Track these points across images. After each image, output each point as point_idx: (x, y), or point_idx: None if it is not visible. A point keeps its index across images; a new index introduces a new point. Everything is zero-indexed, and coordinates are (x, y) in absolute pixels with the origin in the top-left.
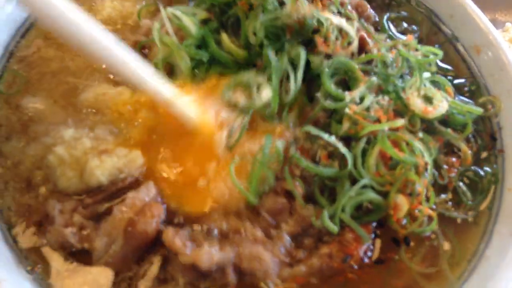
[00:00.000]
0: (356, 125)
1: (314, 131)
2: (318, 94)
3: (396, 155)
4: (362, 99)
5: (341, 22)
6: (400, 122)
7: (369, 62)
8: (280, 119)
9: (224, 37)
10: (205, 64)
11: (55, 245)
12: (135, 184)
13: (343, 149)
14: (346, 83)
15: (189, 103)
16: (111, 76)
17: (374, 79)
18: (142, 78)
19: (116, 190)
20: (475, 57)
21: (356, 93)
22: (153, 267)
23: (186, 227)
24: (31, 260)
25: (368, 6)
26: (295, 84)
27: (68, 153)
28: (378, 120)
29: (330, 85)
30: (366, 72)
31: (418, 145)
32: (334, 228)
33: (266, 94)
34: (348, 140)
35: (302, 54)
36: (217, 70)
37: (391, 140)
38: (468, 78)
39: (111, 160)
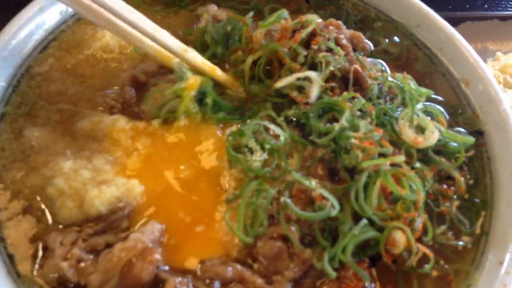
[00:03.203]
0: (365, 152)
1: (296, 176)
2: (311, 137)
3: (398, 191)
4: (355, 127)
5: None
6: (401, 158)
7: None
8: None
9: None
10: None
11: (51, 278)
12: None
13: (325, 193)
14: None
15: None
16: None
17: (357, 100)
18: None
19: (116, 219)
20: (464, 88)
21: (343, 120)
22: None
23: (187, 275)
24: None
25: (363, 37)
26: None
27: (67, 184)
28: (381, 145)
29: (319, 125)
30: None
31: (417, 180)
32: (332, 273)
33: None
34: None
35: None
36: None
37: (392, 174)
38: (458, 108)
39: (110, 190)
